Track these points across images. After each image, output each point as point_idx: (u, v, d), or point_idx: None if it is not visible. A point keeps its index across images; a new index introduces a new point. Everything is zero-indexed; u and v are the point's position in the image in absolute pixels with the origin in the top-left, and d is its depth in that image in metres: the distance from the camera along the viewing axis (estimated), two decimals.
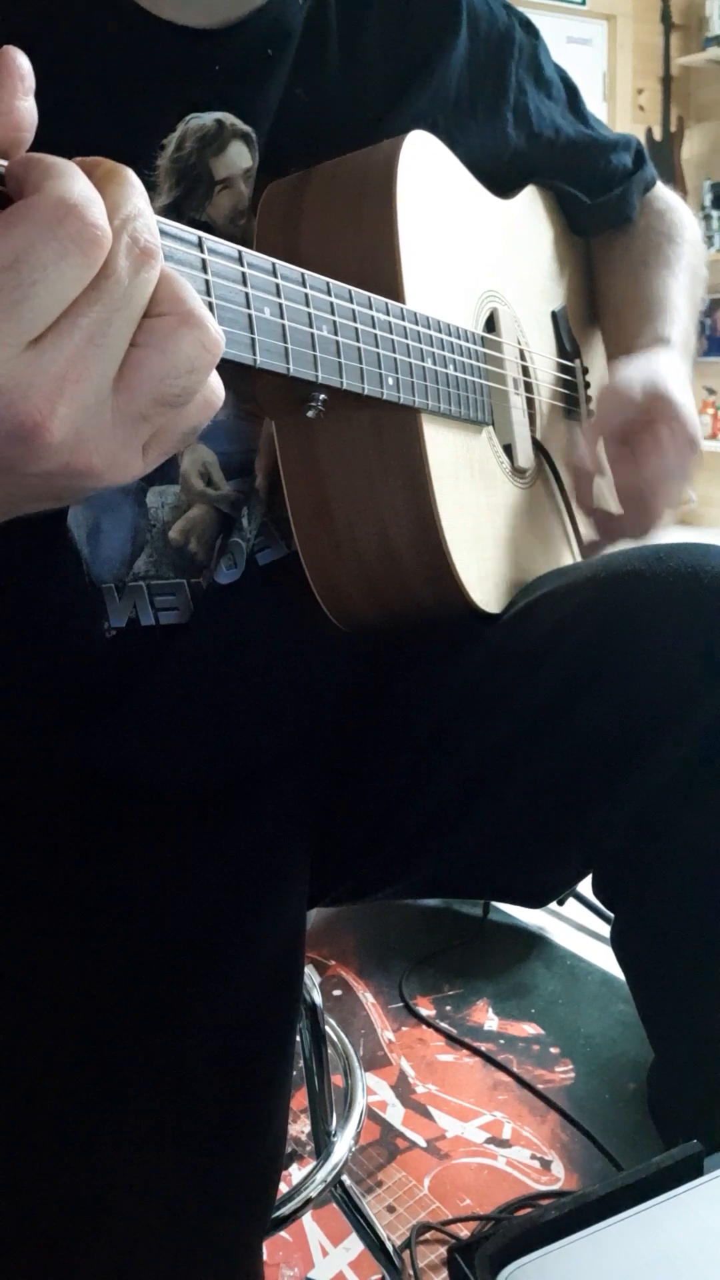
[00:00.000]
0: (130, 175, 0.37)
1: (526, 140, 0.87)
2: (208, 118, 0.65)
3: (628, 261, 0.97)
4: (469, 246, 0.79)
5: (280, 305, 0.51)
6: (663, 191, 1.01)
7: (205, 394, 0.40)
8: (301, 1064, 0.88)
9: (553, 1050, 1.36)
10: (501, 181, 0.86)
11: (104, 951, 0.60)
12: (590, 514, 0.85)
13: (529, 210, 0.93)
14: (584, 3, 4.23)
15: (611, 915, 0.77)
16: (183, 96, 0.65)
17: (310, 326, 0.54)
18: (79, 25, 0.62)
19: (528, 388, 0.87)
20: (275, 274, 0.51)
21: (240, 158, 0.67)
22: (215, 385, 0.40)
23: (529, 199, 0.93)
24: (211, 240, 0.46)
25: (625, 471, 0.81)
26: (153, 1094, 0.55)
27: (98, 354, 0.36)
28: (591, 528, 0.88)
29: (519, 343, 0.86)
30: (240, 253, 0.48)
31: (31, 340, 0.34)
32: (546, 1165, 1.17)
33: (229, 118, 0.66)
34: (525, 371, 0.87)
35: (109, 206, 0.36)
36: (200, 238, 0.45)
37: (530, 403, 0.88)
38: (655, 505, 0.81)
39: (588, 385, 1.01)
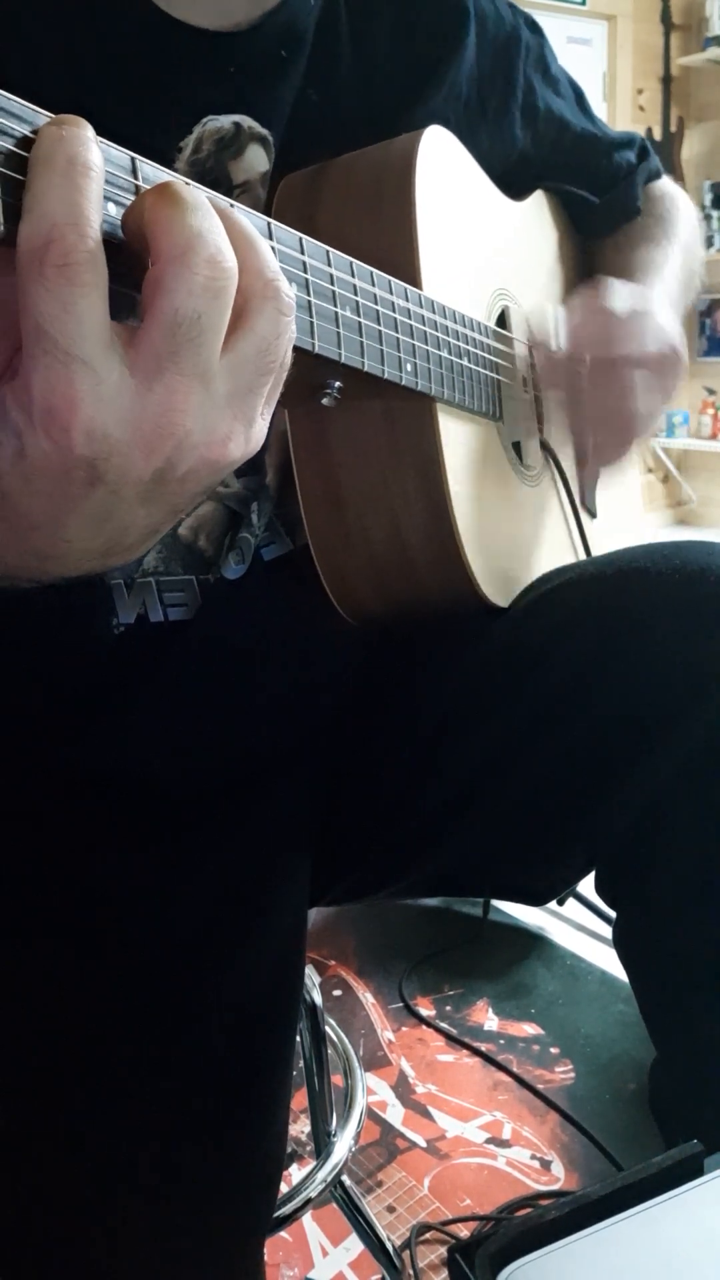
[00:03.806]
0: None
1: (534, 137, 0.87)
2: (225, 120, 0.65)
3: (617, 246, 0.97)
4: (483, 243, 0.79)
5: (307, 281, 0.51)
6: (662, 181, 1.01)
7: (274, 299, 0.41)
8: (301, 1064, 0.88)
9: (553, 1050, 1.36)
10: (509, 183, 0.86)
11: (104, 951, 0.60)
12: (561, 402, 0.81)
13: (537, 213, 0.93)
14: (584, 3, 4.23)
15: (612, 915, 0.77)
16: (199, 98, 0.65)
17: (335, 305, 0.54)
18: (95, 25, 0.62)
19: (535, 386, 0.87)
20: (302, 250, 0.51)
21: (258, 161, 0.67)
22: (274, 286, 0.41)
23: (536, 202, 0.93)
24: (241, 209, 0.45)
25: (598, 384, 0.77)
26: (153, 1094, 0.55)
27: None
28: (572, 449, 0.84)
29: (528, 342, 0.86)
30: (270, 225, 0.48)
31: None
32: (546, 1165, 1.17)
33: (246, 120, 0.66)
34: (533, 370, 0.87)
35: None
36: (232, 205, 0.45)
37: (537, 401, 0.88)
38: (629, 408, 0.77)
39: None
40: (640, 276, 0.88)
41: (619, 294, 0.78)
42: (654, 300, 0.80)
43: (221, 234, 0.37)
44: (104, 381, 0.35)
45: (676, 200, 0.99)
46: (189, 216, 0.36)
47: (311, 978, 0.84)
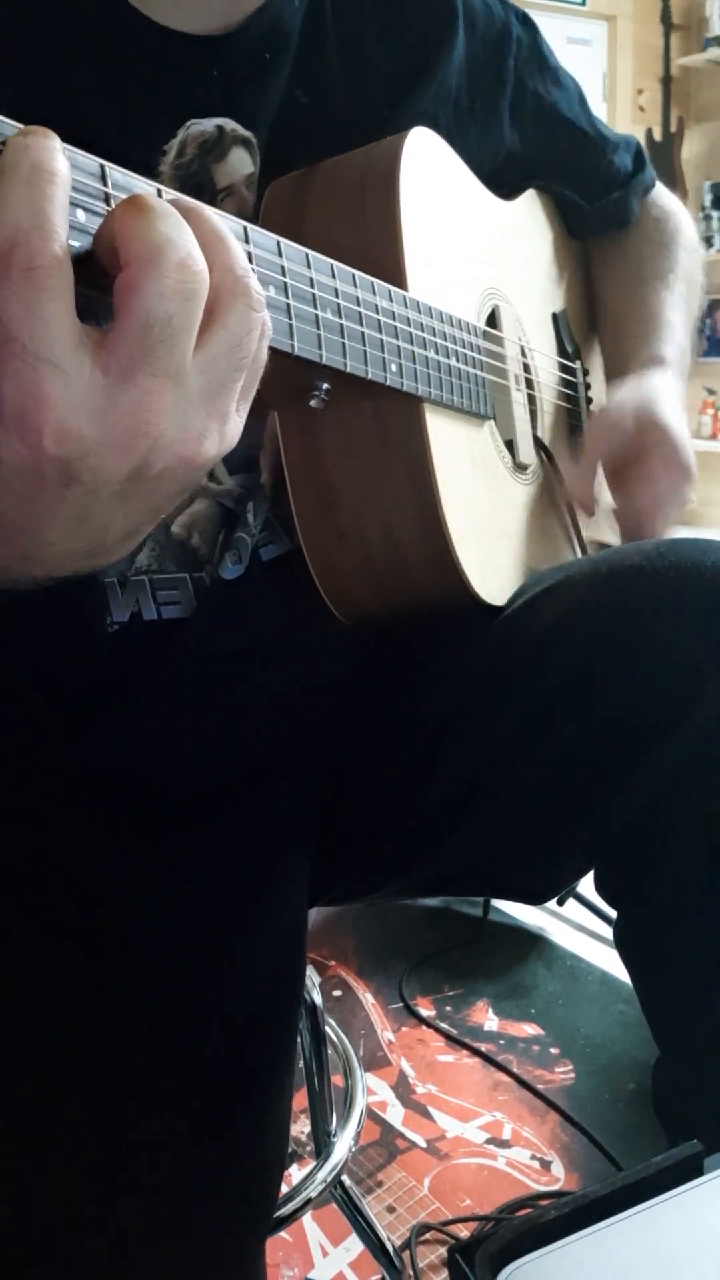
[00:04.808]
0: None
1: (523, 135, 0.87)
2: (208, 124, 0.65)
3: (625, 274, 0.97)
4: (471, 243, 0.79)
5: (285, 284, 0.51)
6: (660, 196, 1.01)
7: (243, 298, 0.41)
8: (301, 1064, 0.88)
9: (553, 1050, 1.36)
10: (501, 182, 0.86)
11: (105, 951, 0.60)
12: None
13: (529, 212, 0.93)
14: (584, 3, 4.23)
15: (612, 915, 0.77)
16: (182, 102, 0.64)
17: (315, 308, 0.54)
18: (79, 31, 0.62)
19: (529, 384, 0.87)
20: (280, 254, 0.51)
21: (241, 164, 0.67)
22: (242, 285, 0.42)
23: (529, 201, 0.93)
24: (216, 213, 0.45)
25: (621, 501, 0.83)
26: (153, 1094, 0.55)
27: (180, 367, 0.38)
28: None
29: (520, 340, 0.86)
30: (246, 229, 0.48)
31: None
32: (546, 1165, 1.17)
33: (229, 123, 0.66)
34: (526, 369, 0.87)
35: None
36: (199, 204, 0.45)
37: (531, 399, 0.88)
38: (650, 534, 0.83)
39: (588, 387, 1.01)
40: (653, 336, 0.91)
41: (631, 419, 0.82)
42: (666, 405, 0.84)
43: (192, 240, 0.38)
44: (74, 382, 0.35)
45: (678, 220, 1.00)
46: (159, 224, 0.37)
47: (311, 978, 0.84)
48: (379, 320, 0.61)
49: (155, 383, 0.37)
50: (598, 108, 4.33)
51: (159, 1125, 0.54)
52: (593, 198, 0.96)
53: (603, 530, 0.90)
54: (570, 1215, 0.43)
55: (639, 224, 0.98)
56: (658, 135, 4.52)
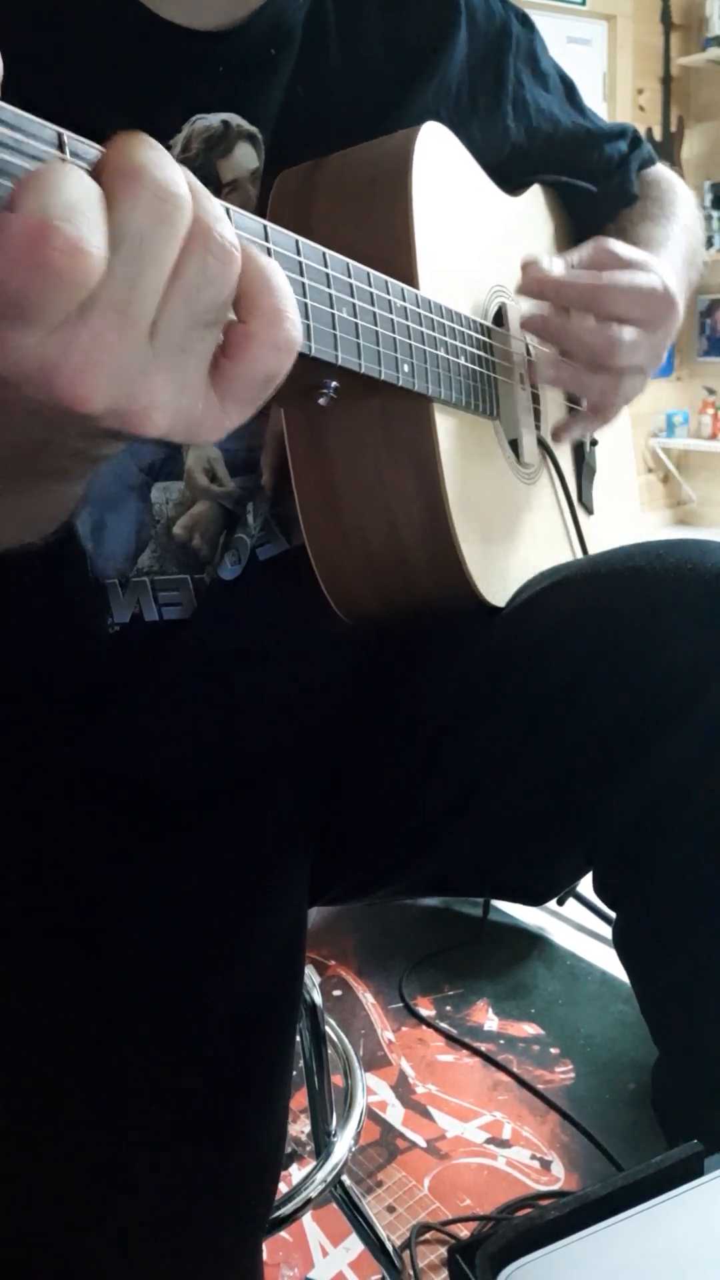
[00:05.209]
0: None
1: (526, 134, 0.87)
2: (214, 119, 0.65)
3: (619, 228, 0.95)
4: (479, 240, 0.79)
5: (304, 284, 0.51)
6: (660, 174, 1.00)
7: (272, 337, 0.38)
8: (301, 1064, 0.88)
9: (553, 1050, 1.36)
10: (505, 176, 0.86)
11: (105, 951, 0.60)
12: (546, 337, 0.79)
13: (533, 208, 0.93)
14: (584, 3, 4.23)
15: (612, 915, 0.77)
16: (188, 97, 0.65)
17: (331, 307, 0.54)
18: (85, 25, 0.62)
19: (533, 384, 0.87)
20: (299, 251, 0.51)
21: (247, 159, 0.67)
22: (278, 327, 0.38)
23: (533, 197, 0.93)
24: (238, 212, 0.45)
25: (598, 325, 0.75)
26: (153, 1094, 0.55)
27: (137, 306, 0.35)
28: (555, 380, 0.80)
29: (525, 339, 0.86)
30: (266, 228, 0.47)
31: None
32: (546, 1165, 1.17)
33: (235, 118, 0.66)
34: (530, 365, 0.87)
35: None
36: (228, 209, 0.44)
37: (535, 399, 0.88)
38: (617, 341, 0.74)
39: None
40: (642, 249, 0.87)
41: (614, 244, 0.76)
42: (652, 260, 0.78)
43: (179, 173, 0.35)
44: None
45: (674, 184, 0.99)
46: (148, 147, 0.35)
47: (311, 978, 0.84)
48: (393, 320, 0.61)
49: (108, 319, 0.34)
50: (598, 108, 4.33)
51: (158, 1125, 0.54)
52: (596, 185, 0.96)
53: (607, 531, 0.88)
54: (570, 1215, 0.43)
55: (640, 203, 0.97)
56: (658, 135, 4.52)
